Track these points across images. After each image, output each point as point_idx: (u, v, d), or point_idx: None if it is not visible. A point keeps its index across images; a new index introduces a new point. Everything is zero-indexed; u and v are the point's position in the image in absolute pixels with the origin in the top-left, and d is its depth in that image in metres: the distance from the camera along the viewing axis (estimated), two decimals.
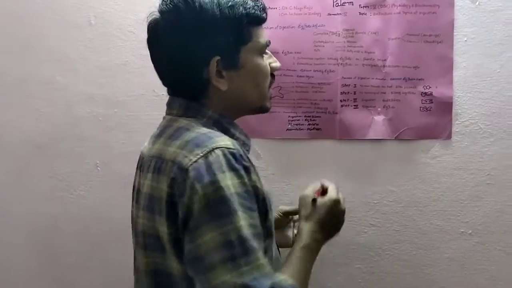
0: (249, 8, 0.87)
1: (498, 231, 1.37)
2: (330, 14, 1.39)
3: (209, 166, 0.75)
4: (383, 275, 1.41)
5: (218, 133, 0.83)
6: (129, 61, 1.44)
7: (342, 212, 0.97)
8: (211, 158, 0.76)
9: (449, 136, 1.37)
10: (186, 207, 0.75)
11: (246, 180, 0.77)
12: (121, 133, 1.47)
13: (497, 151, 1.36)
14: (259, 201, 0.80)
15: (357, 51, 1.39)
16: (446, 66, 1.36)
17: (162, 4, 0.88)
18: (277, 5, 1.40)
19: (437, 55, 1.36)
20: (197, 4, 0.84)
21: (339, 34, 1.39)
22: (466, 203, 1.38)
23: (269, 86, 0.95)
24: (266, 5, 0.92)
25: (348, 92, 1.41)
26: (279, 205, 1.41)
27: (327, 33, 1.39)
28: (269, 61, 0.95)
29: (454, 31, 1.35)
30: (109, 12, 1.44)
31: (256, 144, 1.43)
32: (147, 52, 1.45)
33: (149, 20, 0.90)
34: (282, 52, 1.41)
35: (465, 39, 1.35)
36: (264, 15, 0.92)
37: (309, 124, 1.43)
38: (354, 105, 1.41)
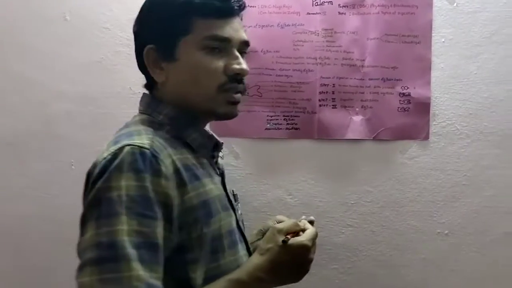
0: None
1: (474, 232, 1.38)
2: (309, 14, 1.38)
3: (111, 164, 0.72)
4: (359, 275, 1.41)
5: (146, 131, 0.79)
6: (104, 58, 1.41)
7: (307, 261, 0.84)
8: (118, 155, 0.72)
9: (426, 137, 1.37)
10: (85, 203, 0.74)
11: (147, 184, 0.71)
12: (96, 131, 1.43)
13: (473, 152, 1.36)
14: (169, 209, 0.74)
15: (336, 50, 1.38)
16: (424, 67, 1.36)
17: None
18: (256, 3, 1.39)
19: (415, 55, 1.36)
20: None
21: (318, 33, 1.38)
22: (442, 204, 1.38)
23: (223, 88, 0.84)
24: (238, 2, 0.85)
25: (326, 92, 1.40)
26: (256, 206, 1.41)
27: (306, 33, 1.39)
28: (231, 61, 0.84)
29: (432, 32, 1.35)
30: (84, 8, 1.41)
31: (234, 144, 1.41)
32: (123, 49, 1.44)
33: None
34: (261, 51, 1.40)
35: (443, 40, 1.36)
36: (218, 4, 0.82)
37: (287, 124, 1.42)
38: (333, 105, 1.40)
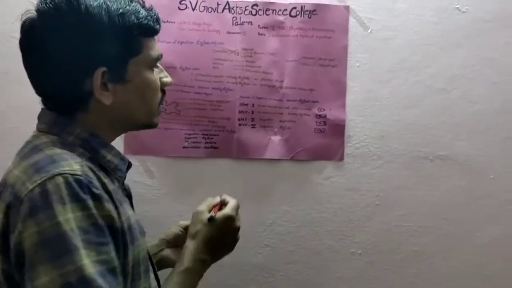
0: (142, 17, 0.82)
1: (385, 251, 1.42)
2: (229, 33, 1.38)
3: (46, 197, 0.67)
4: None
5: (68, 155, 0.75)
6: (11, 69, 1.32)
7: (235, 230, 0.94)
8: (50, 186, 0.68)
9: (341, 158, 1.40)
10: (18, 244, 0.67)
11: (93, 211, 0.69)
12: (2, 146, 1.33)
13: (385, 173, 1.41)
14: (114, 231, 0.73)
15: (255, 71, 1.39)
16: (340, 90, 1.40)
17: (40, 2, 0.78)
18: (175, 19, 1.37)
19: (331, 78, 1.40)
20: (82, 7, 0.76)
21: (238, 53, 1.38)
22: (356, 223, 1.42)
23: (160, 102, 0.90)
24: (161, 17, 0.88)
25: (246, 111, 1.40)
26: (173, 227, 1.37)
27: (226, 51, 1.38)
28: (160, 75, 0.89)
29: (348, 56, 1.40)
30: None
31: (150, 162, 1.37)
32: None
33: (23, 19, 0.80)
34: (180, 68, 1.37)
35: (358, 64, 1.40)
36: (158, 26, 0.86)
37: (206, 142, 1.40)
38: (252, 125, 1.40)
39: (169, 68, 1.35)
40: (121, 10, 0.79)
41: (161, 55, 0.89)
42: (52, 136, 0.80)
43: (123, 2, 0.80)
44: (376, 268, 1.42)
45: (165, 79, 0.91)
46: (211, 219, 0.91)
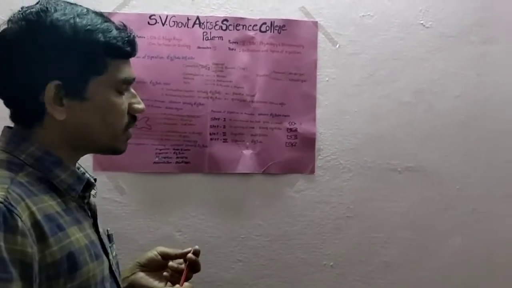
0: (111, 37, 0.79)
1: (356, 262, 1.44)
2: (199, 47, 1.38)
3: None
4: None
5: (2, 179, 0.71)
6: None
7: None
8: None
9: (312, 171, 1.42)
10: None
11: (1, 243, 0.65)
12: None
13: (355, 186, 1.43)
14: (27, 267, 0.68)
15: (226, 85, 1.40)
16: (310, 104, 1.42)
17: (15, 13, 0.78)
18: (145, 34, 1.36)
19: (302, 93, 1.42)
20: (48, 19, 0.75)
21: (208, 67, 1.39)
22: (328, 236, 1.43)
23: (127, 127, 0.85)
24: (135, 37, 0.84)
25: (217, 126, 1.40)
26: (143, 244, 1.35)
27: (196, 66, 1.38)
28: (132, 101, 0.85)
29: (317, 71, 1.42)
30: None
31: (120, 178, 1.35)
32: None
33: None
34: (150, 83, 1.37)
35: (327, 79, 1.43)
36: (129, 48, 0.82)
37: (177, 157, 1.39)
38: (224, 139, 1.40)
39: (139, 83, 1.34)
40: (89, 27, 0.77)
41: (133, 79, 0.85)
42: (5, 154, 0.78)
43: (95, 20, 0.79)
44: (347, 279, 1.44)
45: (136, 106, 0.86)
46: None
